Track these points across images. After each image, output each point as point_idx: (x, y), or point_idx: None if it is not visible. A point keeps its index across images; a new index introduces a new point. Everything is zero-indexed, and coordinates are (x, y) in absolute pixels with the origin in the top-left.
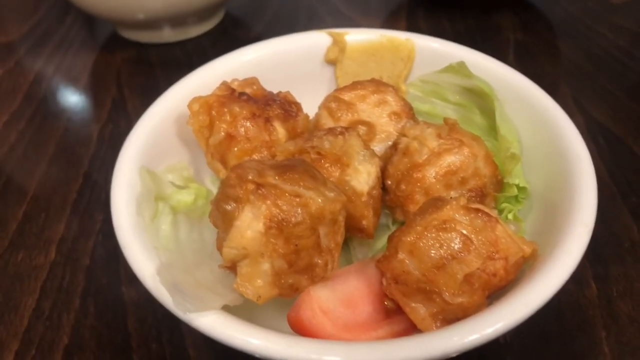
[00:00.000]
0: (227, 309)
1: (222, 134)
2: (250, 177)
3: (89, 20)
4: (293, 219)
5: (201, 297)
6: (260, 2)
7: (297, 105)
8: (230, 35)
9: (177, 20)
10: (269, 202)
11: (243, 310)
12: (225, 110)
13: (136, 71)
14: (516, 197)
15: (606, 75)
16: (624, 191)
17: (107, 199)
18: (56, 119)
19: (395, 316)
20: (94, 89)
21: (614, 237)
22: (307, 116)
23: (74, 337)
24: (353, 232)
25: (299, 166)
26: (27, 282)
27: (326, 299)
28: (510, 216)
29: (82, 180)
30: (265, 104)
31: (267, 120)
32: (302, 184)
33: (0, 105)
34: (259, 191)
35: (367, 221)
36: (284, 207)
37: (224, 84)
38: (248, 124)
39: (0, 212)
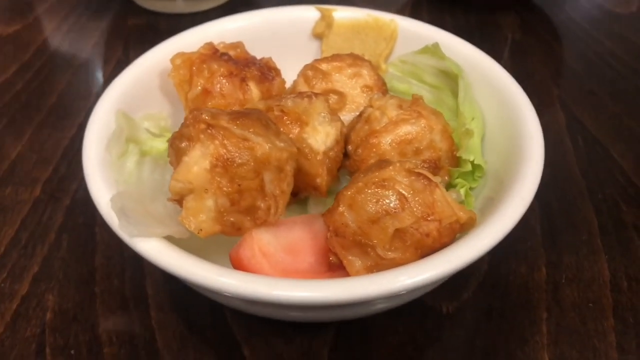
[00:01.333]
0: (175, 241)
1: (199, 88)
2: (203, 117)
3: None
4: (238, 160)
5: (146, 224)
6: None
7: (276, 71)
8: (238, 11)
9: None
10: (217, 142)
11: (192, 247)
12: (204, 66)
13: (144, 37)
14: (472, 174)
15: (595, 79)
16: (592, 187)
17: None
18: (62, 72)
19: (337, 270)
20: (102, 50)
21: (573, 228)
22: (283, 81)
23: (43, 267)
24: (308, 190)
25: (253, 114)
26: (10, 215)
27: (267, 242)
28: (462, 191)
29: (76, 130)
30: (244, 65)
31: (243, 80)
32: (252, 130)
33: (13, 56)
34: (209, 131)
35: (321, 179)
36: (230, 148)
37: (209, 44)
38: (224, 81)
39: None
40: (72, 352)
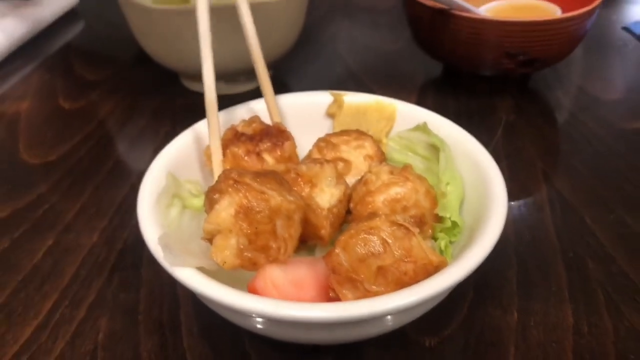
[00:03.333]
0: (205, 271)
1: (227, 166)
2: (232, 176)
3: (159, 70)
4: (256, 208)
5: (184, 257)
6: (303, 71)
7: (286, 134)
8: None
9: (230, 77)
10: (240, 194)
11: (219, 279)
12: (228, 151)
13: (189, 114)
14: (452, 229)
15: (577, 157)
16: (565, 247)
17: None
18: (118, 142)
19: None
20: (153, 124)
21: (545, 280)
22: (293, 143)
23: (98, 297)
24: (314, 239)
25: (270, 175)
26: (72, 255)
27: (277, 276)
28: (442, 243)
29: (129, 189)
30: (259, 140)
31: (259, 154)
32: (268, 186)
33: (78, 128)
34: (235, 185)
35: (325, 231)
36: (251, 199)
37: (231, 128)
38: (245, 159)
39: (61, 205)
40: None
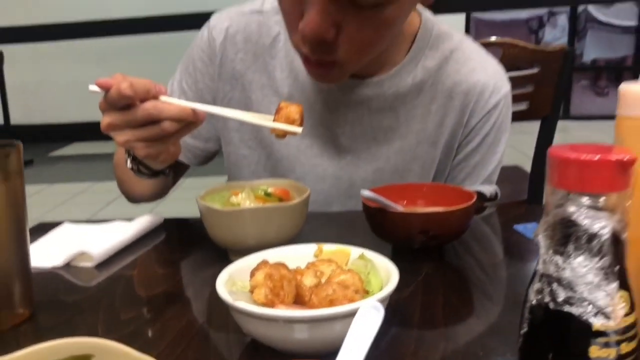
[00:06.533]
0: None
1: None
2: (262, 264)
3: (212, 244)
4: (274, 276)
5: (239, 299)
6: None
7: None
8: None
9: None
10: (267, 269)
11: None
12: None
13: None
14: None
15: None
16: None
17: None
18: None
19: None
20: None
21: None
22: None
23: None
24: (300, 297)
25: (282, 265)
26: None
27: (281, 308)
28: None
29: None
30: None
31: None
32: (280, 268)
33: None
34: (264, 266)
35: (308, 298)
36: (273, 272)
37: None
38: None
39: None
40: None
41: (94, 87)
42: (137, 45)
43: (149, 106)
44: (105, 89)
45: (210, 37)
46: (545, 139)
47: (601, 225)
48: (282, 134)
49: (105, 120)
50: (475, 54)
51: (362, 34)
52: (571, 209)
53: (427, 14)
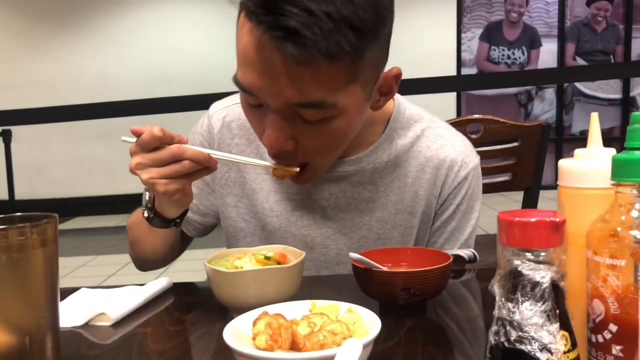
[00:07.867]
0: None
1: None
2: (265, 313)
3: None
4: (273, 325)
5: (242, 345)
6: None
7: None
8: None
9: None
10: (267, 319)
11: None
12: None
13: None
14: None
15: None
16: None
17: None
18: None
19: None
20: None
21: None
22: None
23: None
24: (295, 344)
25: (281, 318)
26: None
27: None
28: None
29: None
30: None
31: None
32: (279, 319)
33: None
34: (265, 317)
35: (303, 345)
36: (272, 321)
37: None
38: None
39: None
40: None
41: (126, 138)
42: (140, 124)
43: (174, 147)
44: (138, 135)
45: (209, 125)
46: (529, 207)
47: (542, 275)
48: (282, 175)
49: (134, 160)
50: (444, 132)
51: (317, 143)
52: (517, 262)
53: (400, 98)
